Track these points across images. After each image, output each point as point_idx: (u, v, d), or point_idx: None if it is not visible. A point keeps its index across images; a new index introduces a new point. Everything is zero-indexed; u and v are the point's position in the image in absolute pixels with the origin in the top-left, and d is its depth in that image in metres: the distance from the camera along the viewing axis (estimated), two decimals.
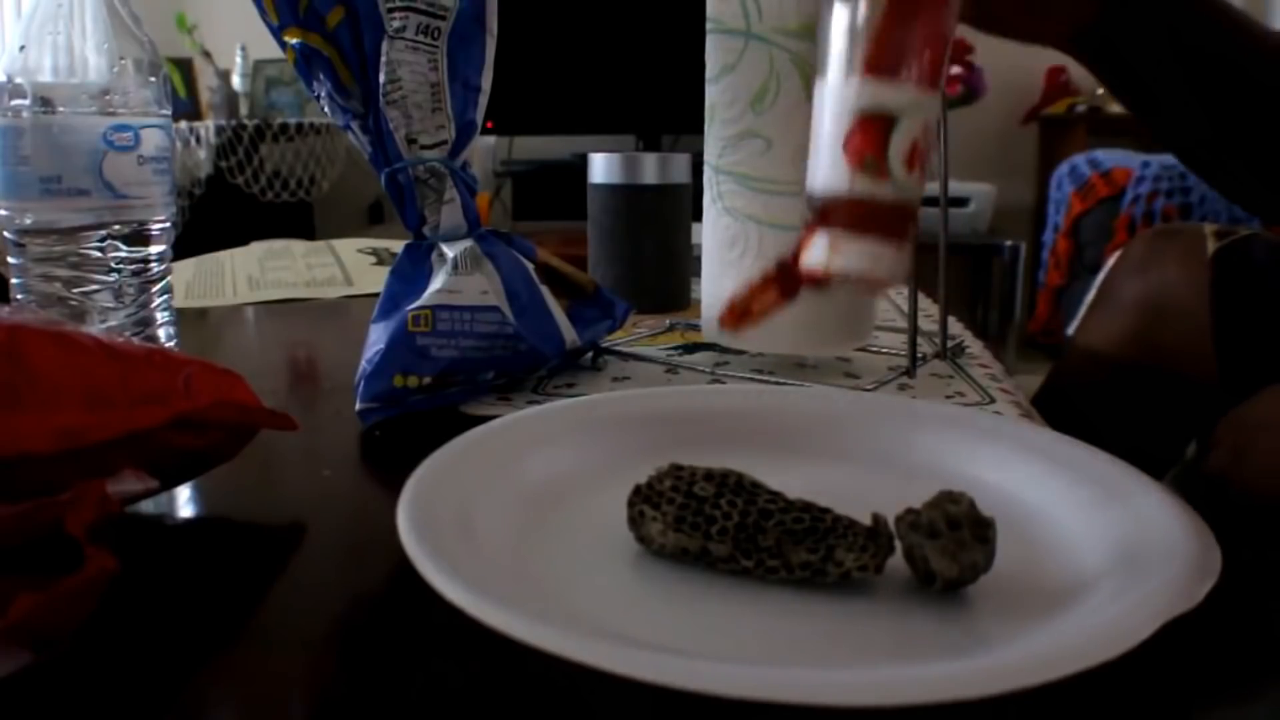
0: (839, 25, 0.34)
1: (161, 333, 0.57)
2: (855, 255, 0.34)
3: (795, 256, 0.35)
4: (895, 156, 0.33)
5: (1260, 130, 0.50)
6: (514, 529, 0.34)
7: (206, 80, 2.61)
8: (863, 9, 0.34)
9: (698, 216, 0.64)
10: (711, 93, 0.58)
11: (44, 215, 0.52)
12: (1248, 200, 0.59)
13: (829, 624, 0.29)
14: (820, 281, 0.34)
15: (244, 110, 2.62)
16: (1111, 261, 0.95)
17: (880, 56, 0.33)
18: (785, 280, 0.35)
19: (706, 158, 0.59)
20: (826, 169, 0.34)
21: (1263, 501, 0.51)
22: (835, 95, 0.34)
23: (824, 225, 0.34)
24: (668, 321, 0.73)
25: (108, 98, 0.52)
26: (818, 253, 0.34)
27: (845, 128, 0.33)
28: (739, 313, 0.36)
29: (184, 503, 0.42)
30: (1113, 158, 2.34)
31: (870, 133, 0.33)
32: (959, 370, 0.61)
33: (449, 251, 0.53)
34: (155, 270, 0.56)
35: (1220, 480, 0.54)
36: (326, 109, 0.53)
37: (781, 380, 0.57)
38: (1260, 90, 0.49)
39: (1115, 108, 2.54)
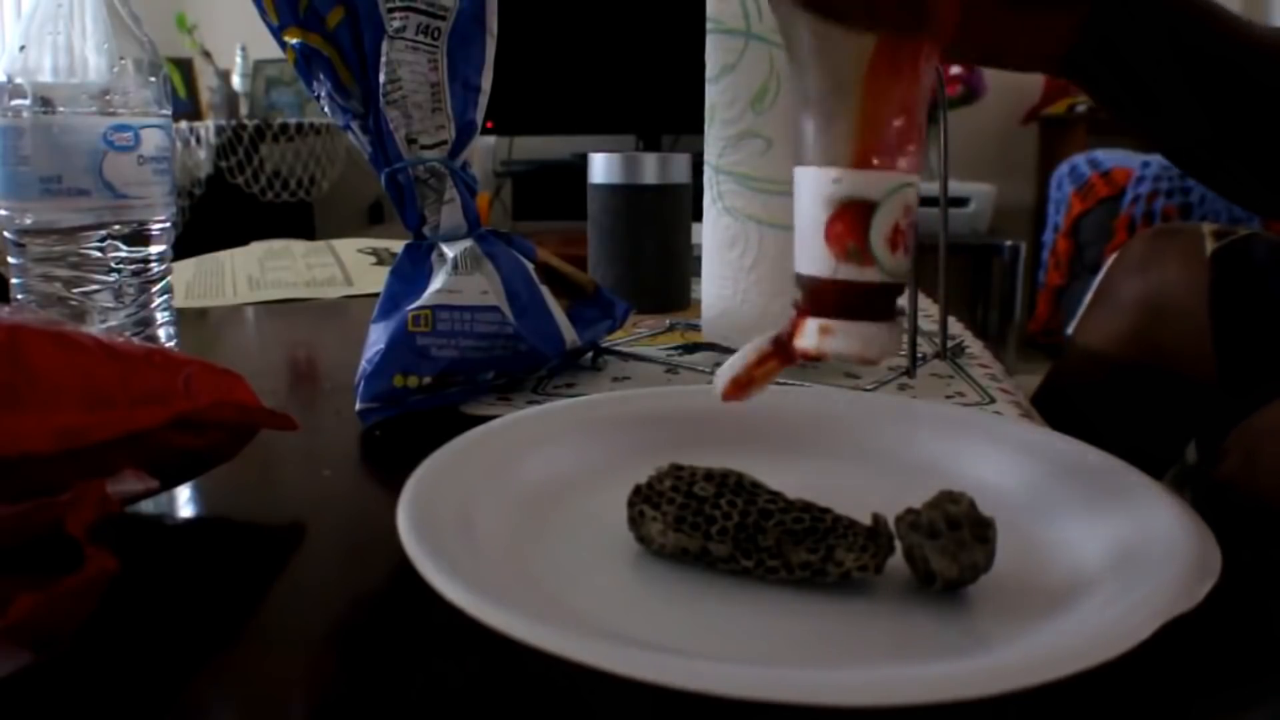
0: (810, 119, 0.34)
1: (161, 333, 0.57)
2: (846, 338, 0.34)
3: (789, 335, 0.35)
4: (878, 241, 0.33)
5: (1260, 130, 0.50)
6: (514, 529, 0.34)
7: (206, 80, 2.60)
8: (833, 108, 0.33)
9: (698, 216, 0.64)
10: (711, 93, 0.58)
11: (44, 215, 0.52)
12: (1247, 199, 0.59)
13: (829, 624, 0.29)
14: (815, 357, 0.35)
15: (244, 110, 2.62)
16: (1110, 261, 0.96)
17: (854, 149, 0.33)
18: (781, 354, 0.35)
19: (706, 158, 0.59)
20: (811, 254, 0.35)
21: (1270, 505, 0.51)
22: (812, 184, 0.34)
23: (813, 310, 0.35)
24: (668, 321, 0.73)
25: (108, 98, 0.52)
26: (810, 336, 0.35)
27: (825, 217, 0.34)
28: (741, 384, 0.36)
29: (184, 503, 0.42)
30: (1113, 158, 2.34)
31: (850, 221, 0.33)
32: (959, 370, 0.61)
33: (449, 251, 0.53)
34: (155, 270, 0.56)
35: (1229, 486, 0.54)
36: (326, 109, 0.53)
37: (781, 380, 0.57)
38: (1260, 90, 0.49)
39: None
